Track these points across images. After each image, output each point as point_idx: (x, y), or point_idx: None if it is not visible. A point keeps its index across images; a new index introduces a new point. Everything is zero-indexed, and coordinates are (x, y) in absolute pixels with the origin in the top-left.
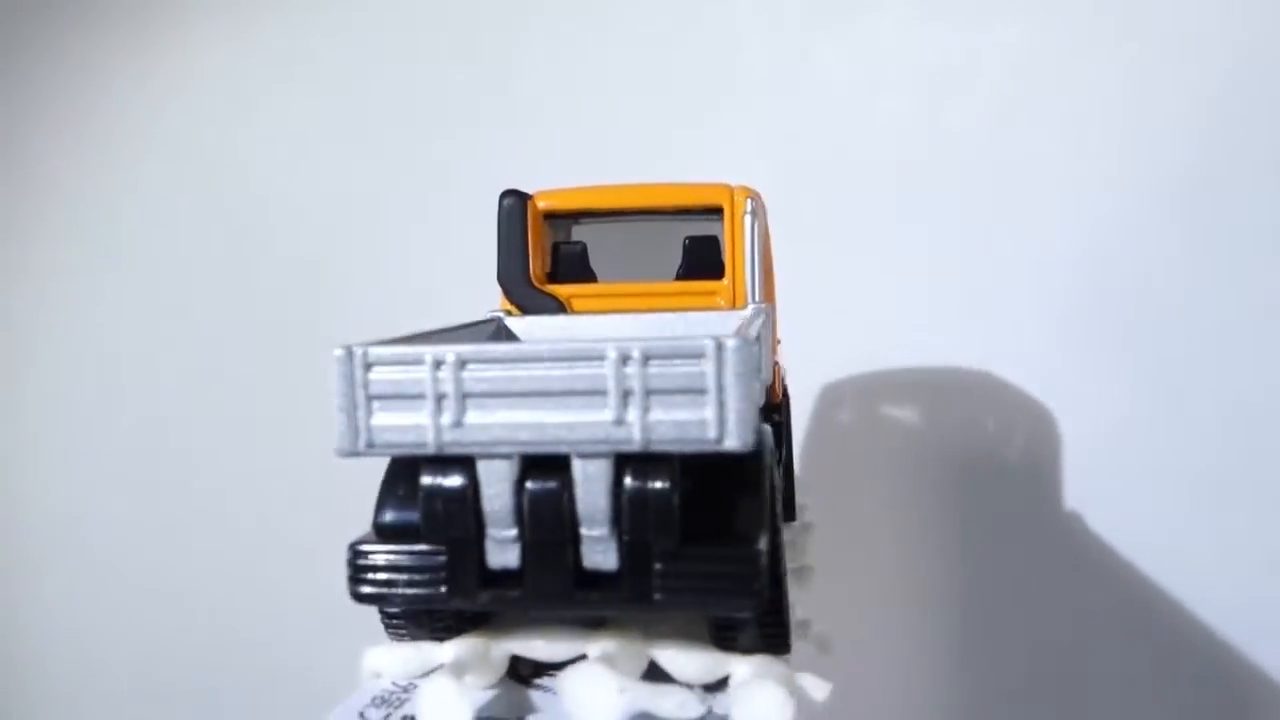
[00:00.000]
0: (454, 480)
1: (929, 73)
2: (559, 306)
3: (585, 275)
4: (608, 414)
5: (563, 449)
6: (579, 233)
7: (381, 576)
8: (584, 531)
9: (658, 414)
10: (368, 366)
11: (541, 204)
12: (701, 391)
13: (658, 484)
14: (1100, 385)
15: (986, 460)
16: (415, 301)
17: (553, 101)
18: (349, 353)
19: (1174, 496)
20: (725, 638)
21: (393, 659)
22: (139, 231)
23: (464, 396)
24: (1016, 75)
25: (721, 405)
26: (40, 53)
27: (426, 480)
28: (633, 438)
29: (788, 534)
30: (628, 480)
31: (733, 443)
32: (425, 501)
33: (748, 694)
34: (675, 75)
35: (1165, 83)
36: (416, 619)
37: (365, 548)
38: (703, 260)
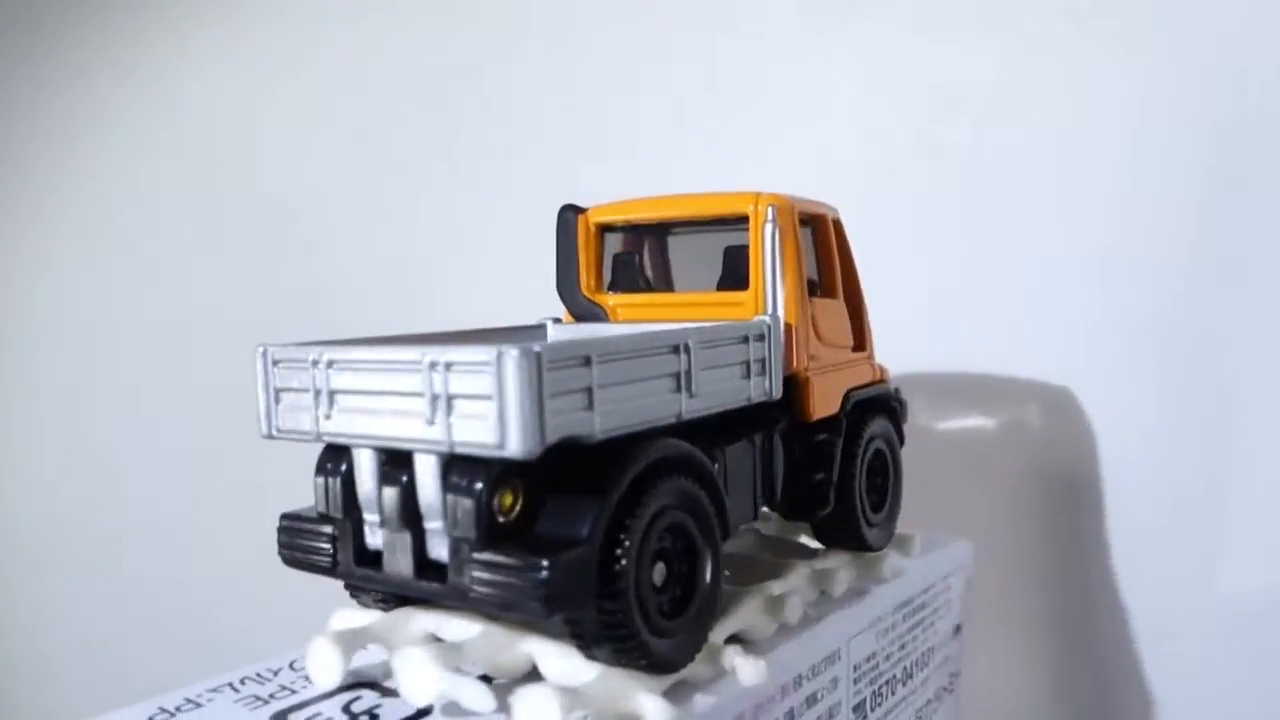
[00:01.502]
0: (335, 467)
1: (979, 87)
2: (604, 315)
3: (637, 285)
4: (424, 416)
5: (400, 445)
6: (689, 243)
7: (295, 545)
8: (425, 524)
9: (457, 418)
10: (275, 363)
11: (594, 218)
12: (487, 398)
13: (465, 485)
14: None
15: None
16: (419, 302)
17: (578, 103)
18: (264, 351)
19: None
20: (578, 645)
21: (351, 620)
22: (139, 232)
23: (332, 393)
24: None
25: (503, 413)
26: (38, 54)
27: (318, 465)
28: (441, 439)
29: (829, 560)
30: (449, 479)
31: (513, 449)
32: (315, 484)
33: (527, 697)
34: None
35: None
36: (358, 588)
37: (286, 521)
38: (735, 270)
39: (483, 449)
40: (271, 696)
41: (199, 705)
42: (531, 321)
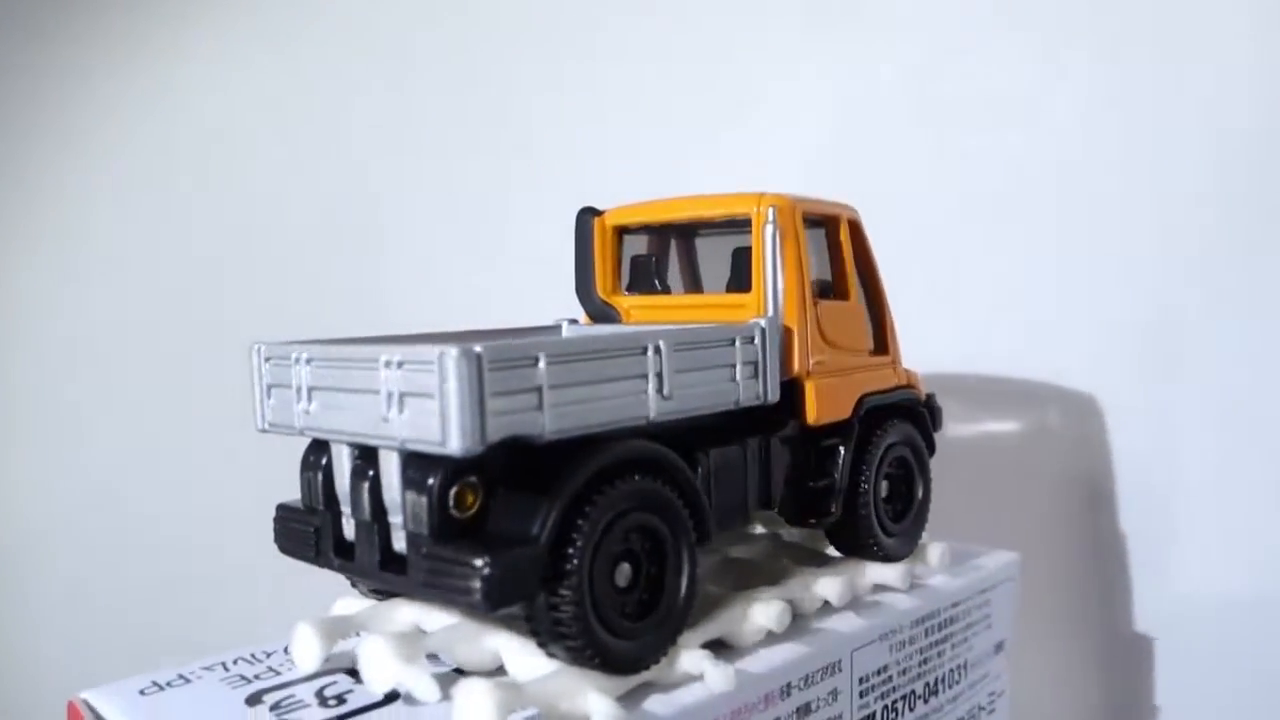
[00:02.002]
0: (317, 460)
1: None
2: (618, 317)
3: (653, 287)
4: (381, 412)
5: (365, 440)
6: (706, 245)
7: (286, 534)
8: (389, 518)
9: (408, 415)
10: (266, 360)
11: (610, 220)
12: (430, 396)
13: (419, 481)
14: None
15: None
16: (410, 302)
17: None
18: (257, 348)
19: None
20: (537, 642)
21: (347, 608)
22: (134, 232)
23: (310, 389)
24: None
25: (444, 411)
26: (31, 53)
27: (303, 458)
28: (395, 435)
29: (838, 569)
30: (406, 475)
31: (453, 446)
32: (301, 477)
33: (466, 690)
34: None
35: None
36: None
37: (280, 511)
38: (741, 272)
39: (428, 445)
40: (256, 677)
41: (189, 681)
42: (549, 322)
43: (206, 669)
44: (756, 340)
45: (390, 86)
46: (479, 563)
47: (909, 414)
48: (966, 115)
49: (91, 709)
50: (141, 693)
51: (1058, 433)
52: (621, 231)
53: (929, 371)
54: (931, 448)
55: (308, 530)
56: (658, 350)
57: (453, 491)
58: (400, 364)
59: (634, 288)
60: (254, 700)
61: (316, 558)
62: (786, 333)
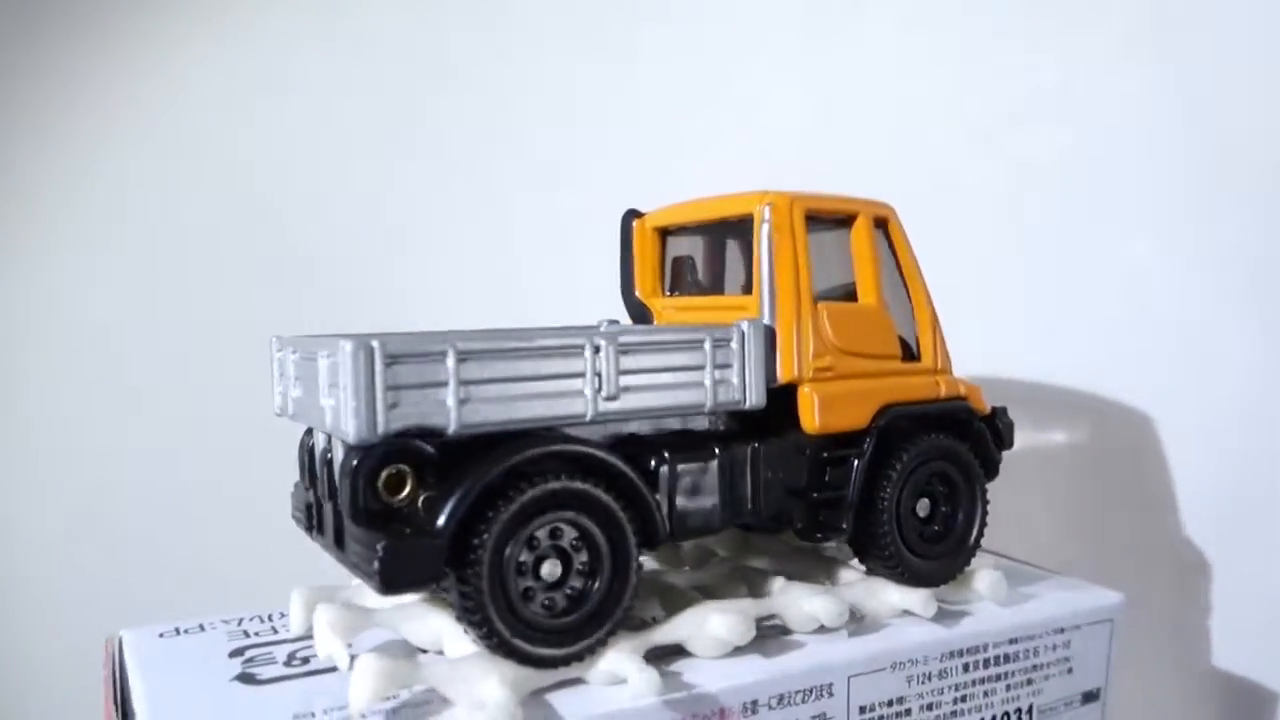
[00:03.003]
0: (305, 442)
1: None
2: (650, 318)
3: (688, 288)
4: (319, 400)
5: (319, 427)
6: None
7: (294, 507)
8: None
9: (333, 403)
10: (279, 351)
11: (649, 222)
12: (335, 386)
13: (344, 466)
14: None
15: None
16: (409, 301)
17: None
18: (272, 340)
19: None
20: (462, 627)
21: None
22: (134, 231)
23: (295, 378)
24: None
25: (344, 401)
26: (33, 49)
27: (300, 440)
28: (326, 422)
29: (843, 590)
30: (344, 458)
31: (350, 435)
32: (298, 456)
33: (359, 663)
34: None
35: None
36: None
37: (294, 487)
38: (750, 273)
39: (340, 433)
40: (256, 634)
41: (204, 630)
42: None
43: (224, 622)
44: (734, 343)
45: (414, 87)
46: (377, 547)
47: (959, 428)
48: (1008, 114)
49: (119, 644)
50: (160, 636)
51: (1139, 450)
52: (661, 232)
53: (991, 384)
54: (989, 466)
55: (302, 506)
56: (596, 350)
57: (382, 477)
58: (328, 356)
59: (674, 289)
60: (236, 654)
61: (309, 531)
62: (780, 335)
